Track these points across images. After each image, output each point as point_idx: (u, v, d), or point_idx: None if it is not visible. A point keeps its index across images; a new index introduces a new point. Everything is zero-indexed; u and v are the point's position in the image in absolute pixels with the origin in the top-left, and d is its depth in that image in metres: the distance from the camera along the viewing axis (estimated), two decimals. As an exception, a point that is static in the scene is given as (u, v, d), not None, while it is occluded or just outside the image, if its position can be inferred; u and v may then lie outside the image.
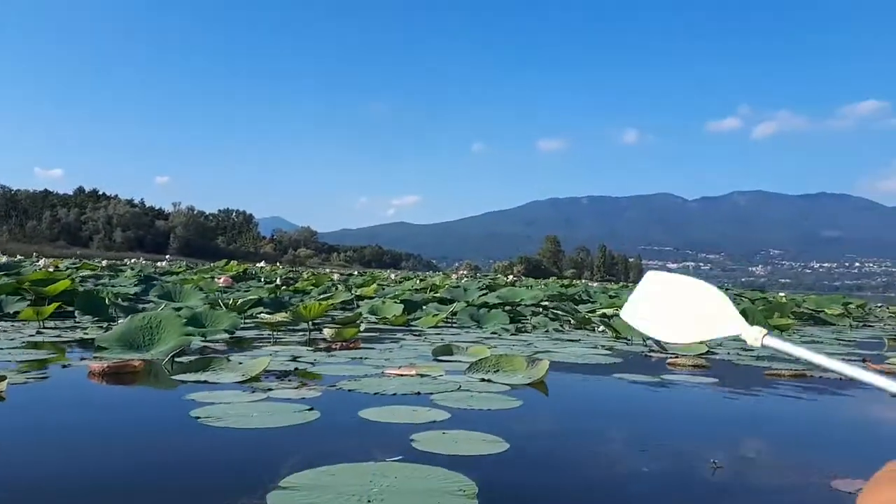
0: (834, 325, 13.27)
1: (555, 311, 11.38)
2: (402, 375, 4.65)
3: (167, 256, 28.48)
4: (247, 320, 8.54)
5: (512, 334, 8.55)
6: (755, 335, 1.00)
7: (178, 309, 7.29)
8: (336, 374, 4.63)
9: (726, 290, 29.95)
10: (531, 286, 21.03)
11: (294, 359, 5.36)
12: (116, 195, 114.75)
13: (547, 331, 9.25)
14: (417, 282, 19.16)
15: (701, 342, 6.49)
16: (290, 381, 4.35)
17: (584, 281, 47.27)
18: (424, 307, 10.57)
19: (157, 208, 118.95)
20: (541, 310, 11.56)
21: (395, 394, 3.97)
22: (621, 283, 41.64)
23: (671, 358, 6.32)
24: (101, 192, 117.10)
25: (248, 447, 2.80)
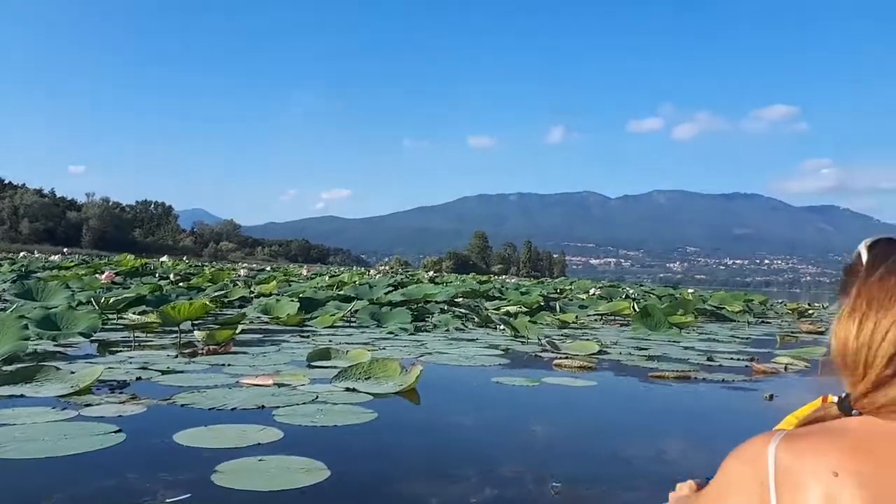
0: (735, 321, 13.58)
1: (461, 309, 11.14)
2: (257, 385, 4.23)
3: (64, 250, 26.69)
4: (120, 321, 7.88)
5: (410, 334, 8.21)
6: None
7: (35, 309, 6.58)
8: (181, 385, 4.16)
9: (640, 286, 30.69)
10: (447, 283, 20.81)
11: (145, 366, 4.84)
12: (24, 184, 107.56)
13: (448, 329, 8.97)
14: (327, 278, 18.59)
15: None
16: (120, 393, 3.86)
17: (502, 277, 47.51)
18: (324, 305, 10.10)
19: (69, 199, 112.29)
20: (446, 307, 11.28)
21: (234, 409, 3.55)
22: (537, 280, 41.95)
23: (559, 358, 6.12)
24: (6, 181, 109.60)
25: (4, 484, 2.33)
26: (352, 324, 9.25)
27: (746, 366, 6.34)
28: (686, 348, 7.70)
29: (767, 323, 14.00)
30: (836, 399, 0.87)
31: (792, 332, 11.32)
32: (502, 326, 9.06)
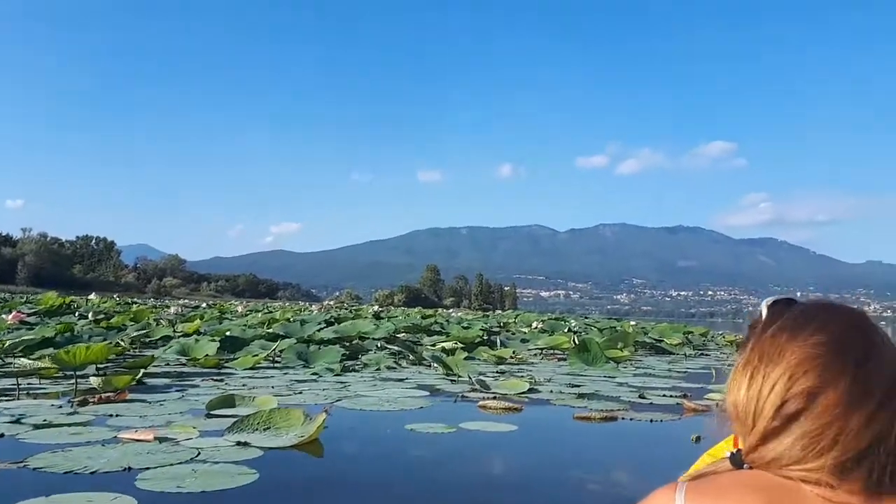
0: (673, 354, 13.54)
1: (397, 347, 10.77)
2: (136, 440, 3.79)
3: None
4: (16, 365, 7.25)
5: (336, 375, 7.78)
6: None
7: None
8: (48, 443, 3.69)
9: (584, 318, 30.84)
10: (391, 317, 20.41)
11: (19, 419, 4.33)
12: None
13: (378, 368, 8.58)
14: (259, 315, 17.97)
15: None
16: (-31, 456, 3.38)
17: (451, 311, 47.13)
18: (248, 345, 9.59)
19: (4, 234, 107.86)
20: (381, 345, 10.89)
21: (95, 472, 3.12)
22: (483, 313, 41.81)
23: (486, 399, 5.83)
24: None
25: None
26: (276, 365, 8.77)
27: (678, 403, 6.15)
28: (620, 384, 7.51)
29: (707, 355, 14.01)
30: (728, 454, 0.90)
31: (729, 365, 11.28)
32: (435, 364, 8.73)
